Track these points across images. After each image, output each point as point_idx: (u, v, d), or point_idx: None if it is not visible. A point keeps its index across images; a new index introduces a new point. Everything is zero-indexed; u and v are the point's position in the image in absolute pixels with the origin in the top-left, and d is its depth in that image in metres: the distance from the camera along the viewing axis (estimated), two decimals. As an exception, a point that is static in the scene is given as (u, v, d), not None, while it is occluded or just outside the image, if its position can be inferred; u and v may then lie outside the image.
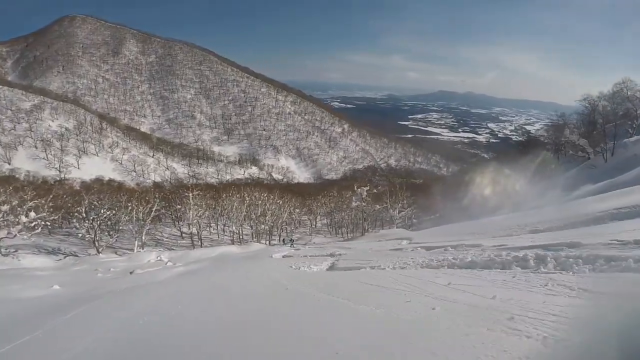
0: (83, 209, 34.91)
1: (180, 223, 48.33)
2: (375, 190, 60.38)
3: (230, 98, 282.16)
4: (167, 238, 48.30)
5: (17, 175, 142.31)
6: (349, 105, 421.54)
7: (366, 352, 4.91)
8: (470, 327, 4.98)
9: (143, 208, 39.63)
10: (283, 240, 46.57)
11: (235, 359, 5.65)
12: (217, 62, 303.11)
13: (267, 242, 47.72)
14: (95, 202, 37.40)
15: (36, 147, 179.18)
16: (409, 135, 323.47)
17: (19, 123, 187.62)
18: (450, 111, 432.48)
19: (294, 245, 38.31)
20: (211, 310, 9.45)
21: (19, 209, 30.87)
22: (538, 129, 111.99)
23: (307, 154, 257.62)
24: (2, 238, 28.88)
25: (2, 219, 29.55)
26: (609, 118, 48.16)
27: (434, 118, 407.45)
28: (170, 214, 51.78)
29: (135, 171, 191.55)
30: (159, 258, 30.40)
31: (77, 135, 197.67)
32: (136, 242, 37.85)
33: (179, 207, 47.47)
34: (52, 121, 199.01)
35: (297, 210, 66.96)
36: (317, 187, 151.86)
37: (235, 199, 49.26)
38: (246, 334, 6.76)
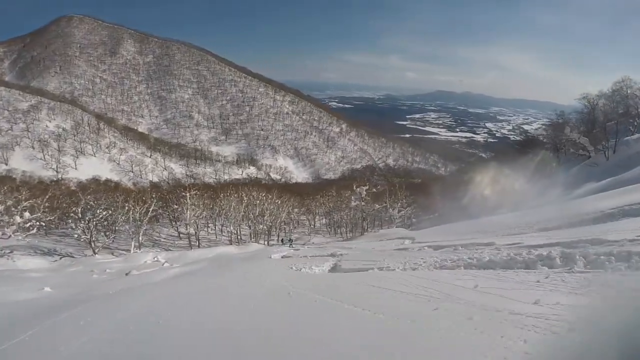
0: (79, 209, 34.51)
1: (178, 223, 47.89)
2: (374, 190, 59.99)
3: (228, 98, 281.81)
4: (164, 238, 47.92)
5: (13, 176, 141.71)
6: (347, 105, 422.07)
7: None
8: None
9: (140, 208, 39.26)
10: (282, 240, 46.21)
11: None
12: (215, 62, 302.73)
13: (266, 243, 47.41)
14: (91, 202, 36.92)
15: (33, 148, 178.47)
16: (407, 135, 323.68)
17: (16, 123, 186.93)
18: (448, 111, 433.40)
19: (293, 246, 37.93)
20: (206, 314, 8.99)
21: (13, 209, 30.49)
22: (536, 129, 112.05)
23: (305, 153, 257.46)
24: (-4, 239, 28.51)
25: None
26: (609, 116, 48.08)
27: (432, 118, 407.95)
28: (168, 214, 51.46)
29: (132, 171, 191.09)
30: (155, 259, 30.02)
31: (74, 136, 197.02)
32: (133, 242, 37.43)
33: (176, 207, 47.12)
34: (50, 121, 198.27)
35: (296, 210, 66.73)
36: (315, 186, 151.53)
37: (233, 199, 48.94)
38: (243, 342, 6.41)
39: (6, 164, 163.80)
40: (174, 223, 49.09)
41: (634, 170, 29.60)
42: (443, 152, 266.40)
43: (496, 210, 32.96)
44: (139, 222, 38.40)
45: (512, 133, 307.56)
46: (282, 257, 24.92)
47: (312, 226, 68.97)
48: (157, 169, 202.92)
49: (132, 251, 36.02)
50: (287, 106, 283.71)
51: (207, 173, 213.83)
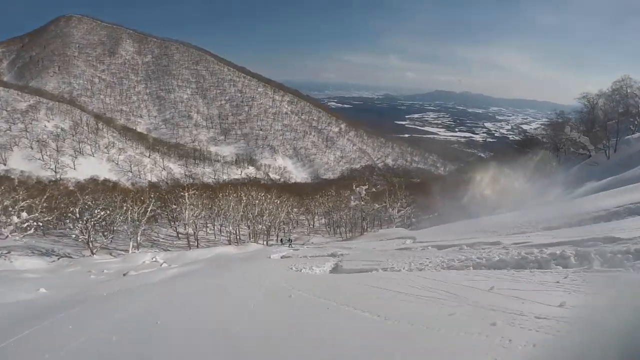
0: (77, 209, 34.31)
1: (176, 223, 47.72)
2: (374, 189, 59.83)
3: (227, 98, 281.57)
4: (163, 239, 47.70)
5: (12, 176, 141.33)
6: (346, 105, 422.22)
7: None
8: None
9: (138, 208, 39.06)
10: (281, 240, 46.09)
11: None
12: (214, 62, 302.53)
13: (265, 243, 47.27)
14: (89, 202, 36.71)
15: (32, 148, 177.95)
16: (406, 135, 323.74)
17: (14, 124, 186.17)
18: (447, 111, 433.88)
19: (293, 246, 37.78)
20: (205, 315, 8.76)
21: (11, 209, 30.29)
22: (535, 128, 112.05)
23: (304, 153, 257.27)
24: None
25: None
26: (609, 116, 48.14)
27: (431, 118, 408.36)
28: (166, 214, 51.31)
29: (131, 171, 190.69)
30: (154, 259, 29.85)
31: (73, 136, 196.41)
32: (131, 242, 37.24)
33: (174, 207, 46.95)
34: (48, 122, 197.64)
35: (295, 209, 66.59)
36: (314, 186, 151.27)
37: (232, 199, 48.76)
38: (242, 344, 6.26)
39: (4, 164, 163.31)
40: (172, 223, 48.94)
41: (635, 169, 29.49)
42: (442, 152, 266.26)
43: (496, 210, 32.93)
44: (137, 222, 38.21)
45: (511, 133, 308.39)
46: (281, 257, 24.74)
47: (311, 226, 68.85)
48: (155, 169, 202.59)
49: (130, 251, 35.84)
50: (286, 106, 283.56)
51: (206, 173, 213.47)
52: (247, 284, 13.34)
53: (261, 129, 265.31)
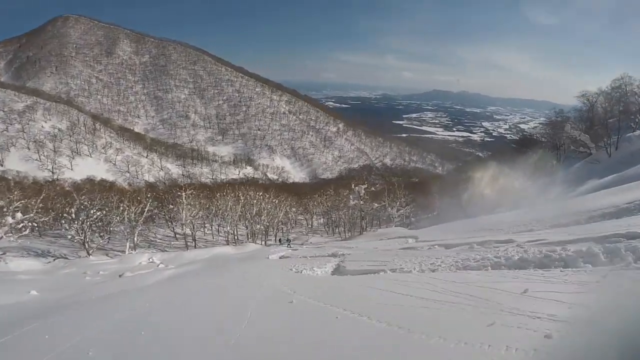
0: (73, 210, 33.94)
1: (174, 224, 47.46)
2: (373, 188, 59.58)
3: (224, 98, 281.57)
4: (160, 239, 47.46)
5: (9, 177, 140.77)
6: (343, 105, 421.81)
7: None
8: None
9: (135, 208, 38.73)
10: (279, 240, 45.87)
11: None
12: (211, 62, 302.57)
13: (263, 243, 47.01)
14: (85, 203, 36.33)
15: (29, 149, 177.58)
16: (404, 135, 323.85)
17: (11, 124, 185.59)
18: (445, 110, 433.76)
19: (291, 246, 37.51)
20: (199, 321, 8.17)
21: (5, 210, 29.90)
22: (533, 128, 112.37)
23: (302, 153, 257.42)
24: (-13, 240, 27.97)
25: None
26: (609, 114, 48.10)
27: (429, 117, 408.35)
28: (164, 215, 51.00)
29: (129, 172, 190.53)
30: (150, 260, 29.46)
31: (70, 136, 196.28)
32: (128, 243, 36.90)
33: (171, 207, 46.68)
34: (45, 122, 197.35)
35: (293, 209, 66.37)
36: (312, 186, 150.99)
37: (229, 198, 48.45)
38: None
39: (2, 165, 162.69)
40: (169, 223, 48.70)
41: (638, 166, 29.39)
42: (440, 151, 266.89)
43: (496, 209, 32.71)
44: (133, 223, 37.87)
45: (508, 132, 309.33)
46: (280, 258, 24.43)
47: (310, 226, 68.62)
48: (153, 169, 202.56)
49: (126, 252, 35.51)
50: (284, 106, 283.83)
51: (203, 173, 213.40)
52: (246, 283, 13.03)
53: (259, 129, 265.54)
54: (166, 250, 39.63)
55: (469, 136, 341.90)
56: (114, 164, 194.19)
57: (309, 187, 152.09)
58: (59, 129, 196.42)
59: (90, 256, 32.71)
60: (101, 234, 37.68)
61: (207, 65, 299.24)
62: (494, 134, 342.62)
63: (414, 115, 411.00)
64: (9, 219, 29.27)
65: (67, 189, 78.51)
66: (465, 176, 57.48)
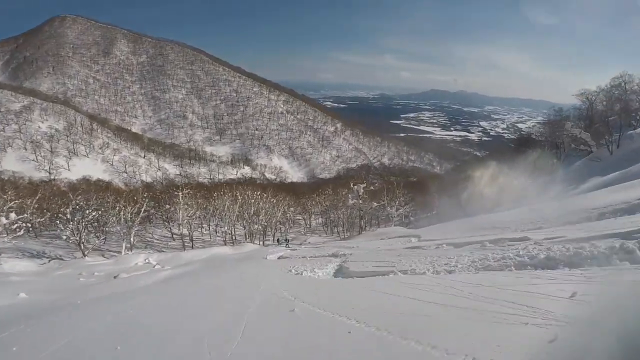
0: (68, 210, 33.57)
1: (171, 224, 47.08)
2: (372, 187, 59.40)
3: (222, 98, 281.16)
4: (157, 240, 47.11)
5: (4, 177, 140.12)
6: (341, 105, 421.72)
7: None
8: None
9: (131, 208, 38.36)
10: (278, 240, 45.63)
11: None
12: (209, 62, 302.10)
13: (261, 243, 46.73)
14: (81, 203, 35.93)
15: (25, 149, 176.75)
16: (402, 134, 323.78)
17: (8, 124, 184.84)
18: (443, 110, 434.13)
19: (290, 246, 37.22)
20: (190, 330, 7.14)
21: (-1, 210, 29.59)
22: (530, 127, 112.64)
23: (300, 153, 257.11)
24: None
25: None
26: (609, 112, 48.08)
27: (426, 117, 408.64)
28: (161, 215, 50.65)
29: (126, 172, 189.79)
30: (147, 261, 29.14)
31: (67, 137, 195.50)
32: (124, 244, 36.54)
33: (168, 207, 46.34)
34: (42, 122, 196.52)
35: (292, 209, 66.11)
36: (310, 186, 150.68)
37: (227, 198, 48.10)
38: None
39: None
40: (166, 224, 48.30)
41: (641, 163, 29.27)
42: (438, 151, 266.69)
43: (497, 208, 32.46)
44: (130, 223, 37.51)
45: (506, 132, 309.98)
46: (278, 258, 24.09)
47: (308, 226, 68.35)
48: (150, 169, 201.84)
49: (123, 253, 35.17)
50: (282, 106, 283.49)
51: (201, 173, 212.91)
52: (242, 287, 12.61)
53: (257, 129, 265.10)
54: (163, 251, 39.31)
55: (467, 136, 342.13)
56: (111, 165, 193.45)
57: (307, 186, 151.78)
58: (56, 129, 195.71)
59: (86, 257, 32.36)
60: (97, 235, 37.29)
61: (204, 65, 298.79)
62: (491, 133, 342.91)
63: (411, 114, 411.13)
64: (3, 220, 28.99)
65: (63, 189, 77.91)
66: (464, 175, 57.43)
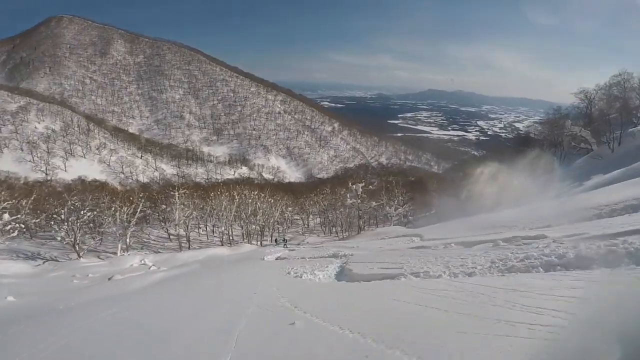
0: (63, 211, 33.16)
1: (167, 224, 46.67)
2: (370, 187, 59.10)
3: (219, 98, 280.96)
4: (154, 240, 46.73)
5: (2, 179, 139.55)
6: (338, 105, 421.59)
7: None
8: None
9: (127, 209, 37.96)
10: (275, 240, 45.24)
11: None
12: (206, 62, 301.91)
13: (259, 243, 46.34)
14: (76, 203, 35.52)
15: (22, 150, 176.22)
16: (399, 134, 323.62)
17: (4, 125, 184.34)
18: (440, 109, 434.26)
19: (288, 246, 36.85)
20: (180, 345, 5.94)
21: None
22: (528, 126, 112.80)
23: (297, 153, 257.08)
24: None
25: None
26: (608, 110, 48.00)
27: (424, 116, 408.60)
28: (157, 215, 50.25)
29: (123, 173, 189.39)
30: (142, 262, 28.77)
31: (63, 137, 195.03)
32: (119, 244, 36.16)
33: (164, 207, 45.95)
34: (39, 123, 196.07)
35: (290, 209, 65.74)
36: (308, 186, 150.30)
37: (224, 198, 47.68)
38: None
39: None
40: (163, 224, 47.90)
41: (645, 160, 29.15)
42: (435, 150, 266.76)
43: (498, 206, 32.10)
44: (126, 224, 37.13)
45: (503, 131, 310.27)
46: (276, 259, 23.66)
47: (306, 226, 67.98)
48: (147, 169, 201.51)
49: (118, 254, 34.77)
50: (279, 105, 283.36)
51: (198, 174, 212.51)
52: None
53: (254, 129, 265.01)
54: (159, 252, 38.98)
55: (464, 135, 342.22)
56: (108, 165, 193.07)
57: (305, 186, 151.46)
58: (53, 130, 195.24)
59: (81, 258, 31.99)
60: (93, 236, 36.94)
61: (201, 65, 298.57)
62: (488, 132, 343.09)
63: (409, 114, 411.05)
64: (-4, 221, 28.56)
65: (59, 189, 77.44)
66: (463, 174, 57.18)
